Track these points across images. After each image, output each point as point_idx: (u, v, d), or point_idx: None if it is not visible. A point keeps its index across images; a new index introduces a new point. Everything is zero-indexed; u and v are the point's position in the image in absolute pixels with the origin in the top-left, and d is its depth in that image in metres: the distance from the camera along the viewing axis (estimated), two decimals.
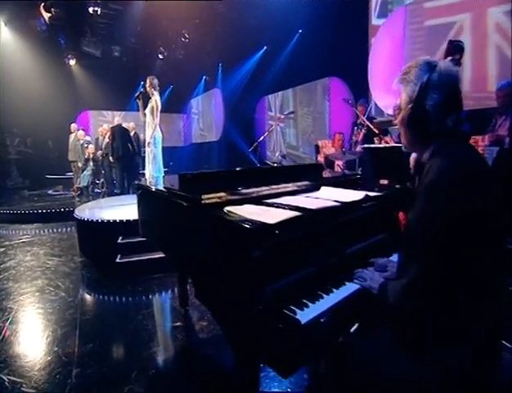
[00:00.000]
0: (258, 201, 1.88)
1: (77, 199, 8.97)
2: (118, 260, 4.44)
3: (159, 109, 5.46)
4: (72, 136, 9.73)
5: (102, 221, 4.84)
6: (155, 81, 5.63)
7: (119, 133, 8.15)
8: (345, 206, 1.73)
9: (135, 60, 12.78)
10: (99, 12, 9.59)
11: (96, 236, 4.91)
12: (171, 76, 13.37)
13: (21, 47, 10.77)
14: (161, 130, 5.84)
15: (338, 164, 5.58)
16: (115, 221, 4.77)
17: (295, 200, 1.87)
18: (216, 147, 13.39)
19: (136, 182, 3.07)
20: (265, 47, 10.79)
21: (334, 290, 1.49)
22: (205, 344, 2.90)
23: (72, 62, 12.23)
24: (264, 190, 2.05)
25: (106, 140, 8.97)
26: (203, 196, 1.72)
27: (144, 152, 9.70)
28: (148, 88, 5.61)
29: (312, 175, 2.70)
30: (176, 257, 2.28)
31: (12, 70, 10.69)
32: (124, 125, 8.47)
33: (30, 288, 4.06)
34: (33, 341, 2.96)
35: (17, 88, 10.94)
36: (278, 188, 2.11)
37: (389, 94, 6.33)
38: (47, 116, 11.71)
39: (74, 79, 12.79)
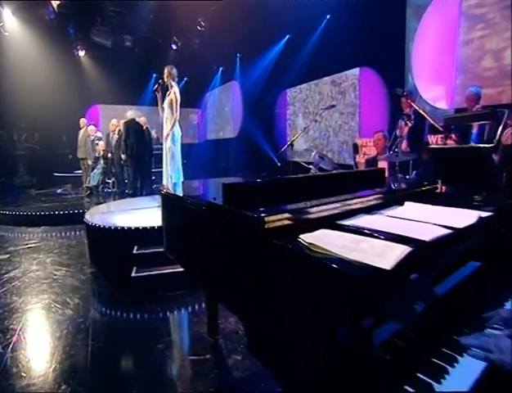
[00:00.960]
0: (332, 222, 1.44)
1: (86, 199, 8.68)
2: (133, 274, 4.04)
3: (179, 102, 5.18)
4: (81, 131, 9.50)
5: (115, 228, 4.47)
6: (174, 71, 5.33)
7: (133, 128, 7.80)
8: (461, 234, 1.27)
9: (147, 50, 12.43)
10: None
11: (109, 245, 4.56)
12: (185, 68, 12.28)
13: (29, 38, 10.59)
14: (180, 126, 5.50)
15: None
16: (130, 229, 4.40)
17: (383, 222, 1.43)
18: (234, 145, 12.95)
19: (159, 187, 2.66)
20: (288, 36, 10.32)
21: (446, 375, 1.02)
22: (241, 383, 2.48)
23: (81, 53, 12.07)
24: (333, 206, 1.60)
25: (117, 136, 8.68)
26: (266, 219, 1.27)
27: (156, 150, 9.59)
28: (166, 79, 5.32)
29: (377, 183, 2.25)
30: (217, 290, 1.85)
31: (19, 62, 10.60)
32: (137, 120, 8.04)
33: (35, 304, 3.71)
34: (37, 373, 2.57)
35: (24, 80, 10.81)
36: (350, 203, 1.66)
37: (439, 85, 5.80)
38: (55, 110, 11.56)
39: (83, 71, 12.61)
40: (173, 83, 5.26)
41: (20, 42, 10.51)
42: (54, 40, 10.91)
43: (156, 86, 5.42)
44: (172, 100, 5.20)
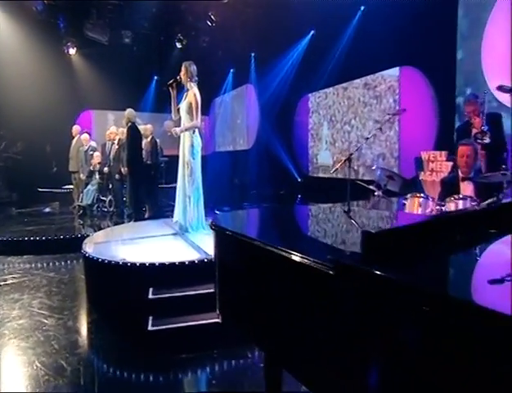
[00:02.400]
0: None
1: (79, 221, 8.17)
2: (150, 328, 3.29)
3: (200, 106, 4.82)
4: (74, 141, 9.15)
5: (125, 264, 3.74)
6: (193, 68, 4.94)
7: (134, 137, 7.25)
8: None
9: (148, 49, 12.19)
10: None
11: (116, 286, 3.88)
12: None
13: (11, 32, 10.25)
14: (200, 135, 5.09)
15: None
16: (144, 265, 3.69)
17: None
18: (248, 157, 12.40)
19: (215, 222, 1.95)
20: (312, 32, 9.93)
21: None
22: None
23: (72, 51, 11.63)
24: None
25: (116, 146, 8.07)
26: None
27: (162, 163, 9.03)
28: (183, 77, 4.94)
29: None
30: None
31: (0, 60, 10.27)
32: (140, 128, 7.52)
33: (17, 370, 2.96)
34: None
35: (6, 81, 10.43)
36: None
37: None
38: (41, 116, 11.06)
39: (74, 72, 12.22)
40: (192, 84, 4.89)
41: (3, 38, 10.23)
42: (41, 35, 10.58)
43: (172, 81, 5.00)
44: (191, 103, 4.82)
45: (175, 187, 5.23)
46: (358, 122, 9.25)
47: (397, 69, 8.12)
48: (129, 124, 7.09)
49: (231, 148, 14.26)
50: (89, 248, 4.35)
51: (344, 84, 9.53)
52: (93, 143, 9.17)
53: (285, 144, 11.02)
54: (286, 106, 11.05)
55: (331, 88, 9.95)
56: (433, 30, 6.64)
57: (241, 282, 1.85)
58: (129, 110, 7.21)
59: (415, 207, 3.17)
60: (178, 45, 12.00)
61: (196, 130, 4.93)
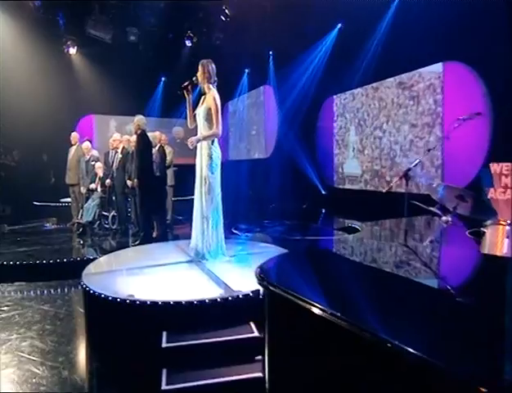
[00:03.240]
0: None
1: (78, 240, 7.84)
2: (164, 387, 2.80)
3: (220, 112, 4.60)
4: (72, 150, 8.90)
5: (132, 303, 3.26)
6: (212, 67, 4.72)
7: (145, 146, 6.94)
8: None
9: (155, 48, 12.01)
10: None
11: (121, 328, 3.40)
12: None
13: (6, 30, 10.06)
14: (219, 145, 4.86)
15: None
16: (155, 304, 3.22)
17: None
18: (265, 167, 12.06)
19: (268, 279, 1.45)
20: (339, 25, 9.54)
21: None
22: None
23: (73, 50, 11.57)
24: None
25: (120, 155, 7.89)
26: None
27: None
28: (200, 78, 4.71)
29: None
30: None
31: None
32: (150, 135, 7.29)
33: None
34: None
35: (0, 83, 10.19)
36: None
37: None
38: (38, 121, 10.96)
39: (74, 73, 12.17)
40: (211, 86, 4.67)
41: None
42: (39, 33, 10.51)
43: (187, 83, 4.76)
44: (209, 109, 4.58)
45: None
46: (391, 126, 8.80)
47: (440, 64, 7.64)
48: (139, 131, 6.79)
49: (247, 157, 13.98)
50: (89, 280, 3.87)
51: (375, 84, 9.17)
52: (95, 153, 8.89)
53: (307, 152, 10.72)
54: (309, 110, 10.74)
55: (360, 89, 9.60)
56: (487, 18, 6.17)
57: (311, 367, 1.33)
58: (139, 117, 6.95)
59: (501, 239, 2.59)
60: (188, 43, 11.97)
61: (216, 140, 4.66)
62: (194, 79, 4.71)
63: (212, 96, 4.54)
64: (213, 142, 4.61)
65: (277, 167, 11.35)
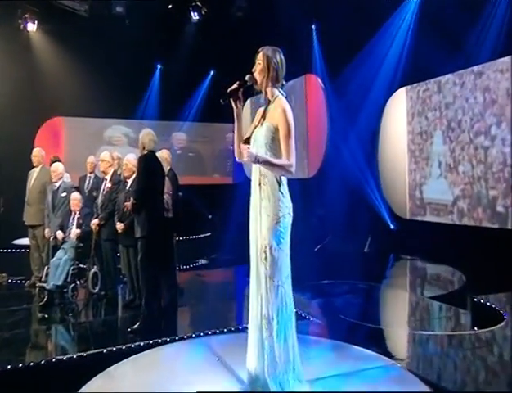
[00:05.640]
0: None
1: (38, 316, 6.66)
2: None
3: (293, 135, 3.82)
4: (34, 174, 8.12)
5: None
6: (281, 60, 3.90)
7: (146, 174, 6.18)
8: None
9: (148, 23, 11.55)
10: None
11: None
12: (213, 54, 12.47)
13: None
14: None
15: None
16: None
17: None
18: (306, 192, 11.23)
19: None
20: None
21: None
22: None
23: (32, 26, 11.43)
24: None
25: (109, 184, 7.10)
26: None
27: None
28: (260, 77, 3.86)
29: None
30: None
31: None
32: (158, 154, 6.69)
33: None
34: None
35: None
36: None
37: None
38: None
39: (34, 58, 11.93)
40: (277, 92, 3.88)
41: None
42: None
43: (237, 85, 3.85)
44: (275, 128, 3.76)
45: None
46: (506, 130, 8.12)
47: None
48: (144, 152, 6.17)
49: None
50: None
51: (476, 68, 8.62)
52: (67, 178, 8.01)
53: (367, 169, 10.58)
54: (370, 109, 10.49)
55: (450, 75, 9.17)
56: None
57: None
58: (146, 132, 6.32)
59: None
60: (195, 16, 11.73)
61: (285, 182, 3.78)
62: (247, 78, 3.79)
63: (281, 108, 3.69)
64: (280, 183, 3.71)
65: (324, 191, 11.12)
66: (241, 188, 13.58)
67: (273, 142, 3.71)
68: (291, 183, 10.56)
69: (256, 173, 3.77)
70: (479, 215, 8.32)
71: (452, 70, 8.98)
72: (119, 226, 6.66)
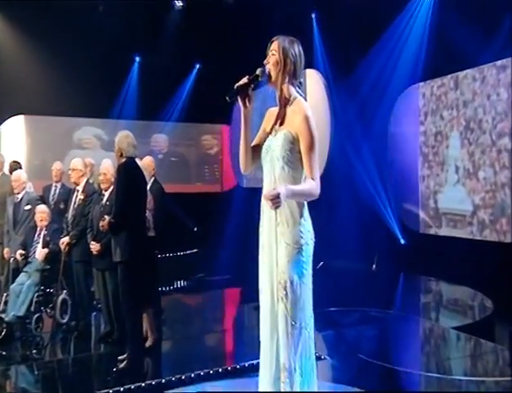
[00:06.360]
0: None
1: None
2: None
3: (317, 140, 3.35)
4: None
5: None
6: (300, 52, 3.52)
7: (125, 185, 5.76)
8: None
9: (124, 9, 11.38)
10: None
11: None
12: (200, 46, 12.36)
13: None
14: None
15: None
16: None
17: None
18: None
19: None
20: None
21: None
22: None
23: None
24: None
25: (81, 196, 6.79)
26: None
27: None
28: (274, 72, 3.40)
29: None
30: None
31: None
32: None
33: None
34: None
35: None
36: None
37: None
38: None
39: None
40: (293, 90, 3.43)
41: None
42: None
43: (247, 80, 3.36)
44: (294, 137, 3.31)
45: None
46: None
47: None
48: (122, 160, 5.79)
49: None
50: None
51: (499, 62, 8.51)
52: (30, 188, 7.65)
53: (375, 175, 10.48)
54: (378, 107, 10.51)
55: (469, 70, 9.16)
56: None
57: None
58: (124, 134, 5.86)
59: None
60: (178, 2, 11.94)
61: (306, 207, 3.36)
62: (259, 71, 3.31)
63: (303, 114, 3.26)
64: (302, 211, 3.29)
65: (326, 199, 10.23)
66: (230, 197, 13.93)
67: (292, 154, 3.25)
68: None
69: (270, 189, 3.28)
70: (503, 228, 8.10)
71: (469, 65, 8.90)
72: (94, 246, 6.17)
